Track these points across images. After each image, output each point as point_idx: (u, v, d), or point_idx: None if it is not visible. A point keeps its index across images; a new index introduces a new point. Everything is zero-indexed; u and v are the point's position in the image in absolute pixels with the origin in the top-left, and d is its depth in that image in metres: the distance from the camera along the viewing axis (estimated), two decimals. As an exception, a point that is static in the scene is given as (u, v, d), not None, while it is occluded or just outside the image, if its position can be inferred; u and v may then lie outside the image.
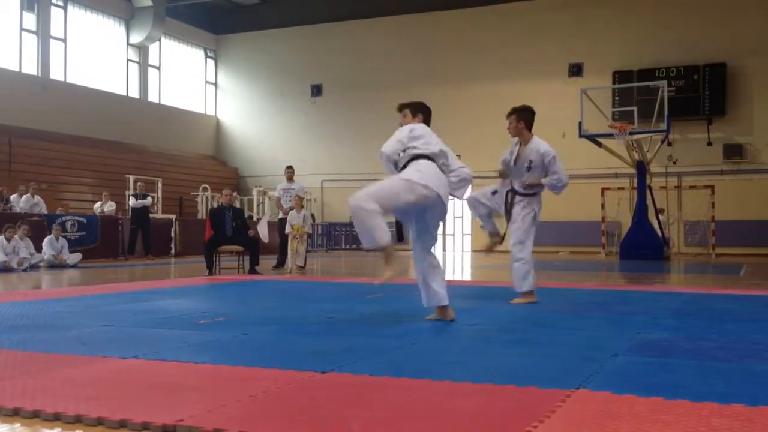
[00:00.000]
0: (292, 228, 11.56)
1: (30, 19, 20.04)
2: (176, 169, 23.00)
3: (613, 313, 5.59)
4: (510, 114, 6.26)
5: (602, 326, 4.80)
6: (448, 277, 11.51)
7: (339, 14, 24.97)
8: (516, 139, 6.33)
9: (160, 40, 24.20)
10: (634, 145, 16.18)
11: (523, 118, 6.22)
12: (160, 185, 20.18)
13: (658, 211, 18.64)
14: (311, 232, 12.59)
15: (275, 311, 5.84)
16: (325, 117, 25.28)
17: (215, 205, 15.41)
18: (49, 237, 12.95)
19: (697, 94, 20.64)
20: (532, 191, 6.28)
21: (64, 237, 13.50)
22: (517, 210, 6.26)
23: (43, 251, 12.70)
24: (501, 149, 6.83)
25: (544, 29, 22.41)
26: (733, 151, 20.58)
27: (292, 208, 11.84)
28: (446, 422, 2.39)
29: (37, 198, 15.03)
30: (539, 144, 6.23)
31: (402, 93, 23.99)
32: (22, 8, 19.76)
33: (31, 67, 20.04)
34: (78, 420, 2.42)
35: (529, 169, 6.18)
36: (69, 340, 4.12)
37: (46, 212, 14.72)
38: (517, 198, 6.27)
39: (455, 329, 4.70)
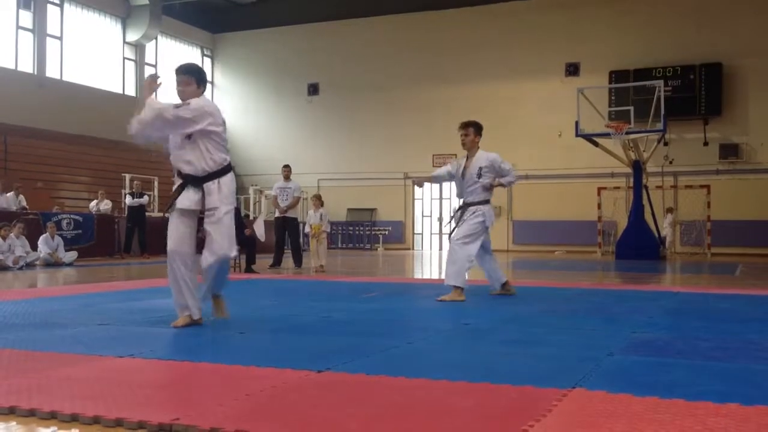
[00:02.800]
0: (310, 227, 11.61)
1: (26, 17, 20.00)
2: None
3: (608, 312, 5.60)
4: (466, 126, 6.64)
5: (598, 326, 4.81)
6: (442, 277, 11.51)
7: (336, 13, 24.95)
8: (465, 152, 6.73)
9: (156, 39, 24.16)
10: (631, 145, 16.20)
11: (479, 131, 6.66)
12: (156, 184, 20.13)
13: (666, 211, 18.70)
14: (329, 231, 12.62)
15: (271, 310, 5.84)
16: (321, 116, 25.28)
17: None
18: (44, 235, 12.91)
19: (694, 93, 20.67)
20: (485, 198, 6.61)
21: (60, 235, 13.47)
22: (466, 216, 6.59)
23: (38, 249, 12.68)
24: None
25: (540, 29, 22.43)
26: (729, 151, 20.62)
27: (289, 207, 11.89)
28: (443, 421, 2.39)
29: (21, 197, 14.94)
30: (485, 153, 6.66)
31: (398, 92, 24.13)
32: (18, 6, 19.72)
33: (27, 65, 20.00)
34: (74, 419, 2.41)
35: (479, 175, 6.55)
36: (65, 338, 4.12)
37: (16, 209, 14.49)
38: (470, 208, 6.57)
39: (451, 328, 4.71)
